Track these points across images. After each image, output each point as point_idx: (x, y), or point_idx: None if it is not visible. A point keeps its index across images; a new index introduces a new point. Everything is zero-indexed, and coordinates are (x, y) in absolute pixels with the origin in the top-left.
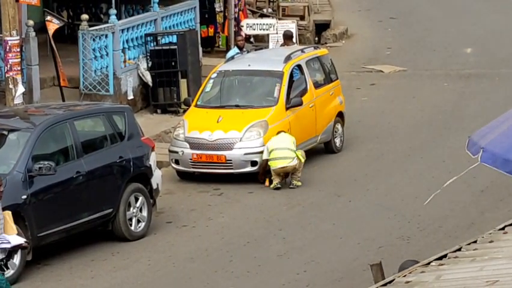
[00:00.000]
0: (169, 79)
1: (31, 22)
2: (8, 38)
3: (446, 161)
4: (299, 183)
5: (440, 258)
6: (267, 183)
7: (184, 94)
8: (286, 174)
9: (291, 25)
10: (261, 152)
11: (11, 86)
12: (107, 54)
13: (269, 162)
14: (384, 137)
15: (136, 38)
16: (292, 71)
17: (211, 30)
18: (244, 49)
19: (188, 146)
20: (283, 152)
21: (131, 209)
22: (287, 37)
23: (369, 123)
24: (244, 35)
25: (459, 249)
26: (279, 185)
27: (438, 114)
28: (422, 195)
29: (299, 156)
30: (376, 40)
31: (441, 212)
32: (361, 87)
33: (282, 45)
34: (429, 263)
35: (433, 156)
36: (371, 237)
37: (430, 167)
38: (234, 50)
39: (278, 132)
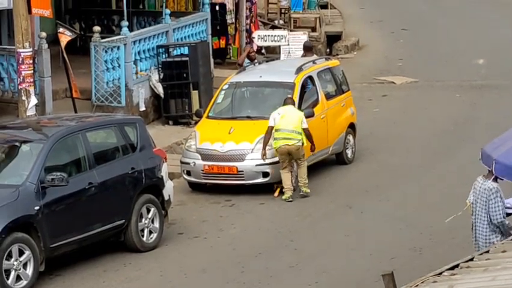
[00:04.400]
0: (180, 90)
1: (44, 34)
2: (20, 50)
3: (458, 172)
4: (308, 190)
5: (452, 268)
6: (276, 193)
7: (195, 105)
8: (296, 182)
9: (302, 36)
10: (273, 163)
11: (23, 97)
12: (119, 66)
13: (273, 142)
14: (396, 148)
15: (148, 50)
16: (303, 82)
17: (222, 42)
18: (256, 60)
19: (200, 157)
20: (289, 134)
21: (143, 220)
22: (307, 48)
23: (381, 134)
24: (256, 47)
25: (471, 259)
26: (290, 199)
27: (450, 125)
28: (434, 206)
29: (303, 140)
30: (388, 51)
31: (453, 223)
32: (373, 98)
33: (302, 56)
34: (441, 273)
35: (445, 167)
36: (383, 248)
37: (442, 178)
38: (247, 62)
39: (285, 101)
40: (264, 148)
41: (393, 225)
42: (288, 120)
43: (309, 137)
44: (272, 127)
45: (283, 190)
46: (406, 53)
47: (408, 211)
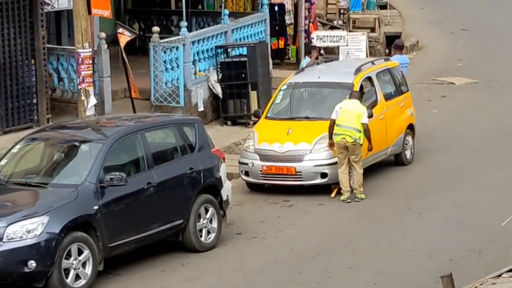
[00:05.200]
0: (239, 91)
1: (103, 34)
2: (80, 50)
3: None
4: (363, 196)
5: (511, 271)
6: (333, 194)
7: (254, 106)
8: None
9: (361, 37)
10: (332, 164)
11: (83, 97)
12: (177, 66)
13: (334, 137)
14: (455, 149)
15: (207, 50)
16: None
17: (281, 42)
18: (317, 61)
19: (258, 157)
20: (347, 130)
21: (201, 220)
22: (397, 47)
23: (440, 135)
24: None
25: None
26: (348, 200)
27: (510, 127)
28: (493, 208)
29: (361, 139)
30: (447, 52)
31: None
32: (432, 99)
33: (392, 54)
34: (500, 275)
35: (504, 169)
36: (442, 249)
37: (501, 180)
38: (307, 60)
39: (351, 95)
40: (330, 138)
41: (452, 227)
42: (349, 116)
43: (366, 132)
44: (334, 120)
45: (341, 191)
46: (466, 53)
47: (467, 212)
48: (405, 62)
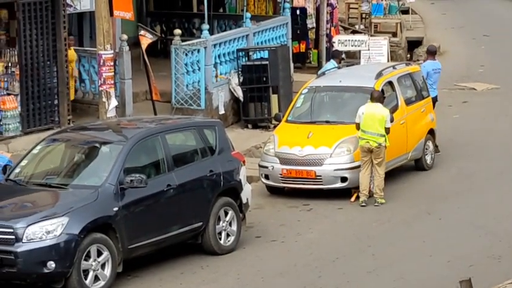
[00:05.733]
0: (260, 94)
1: (125, 36)
2: (102, 52)
3: None
4: (383, 201)
5: None
6: (353, 198)
7: (274, 109)
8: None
9: (383, 42)
10: (352, 168)
11: (104, 99)
12: (199, 69)
13: (359, 140)
14: (475, 155)
15: (228, 53)
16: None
17: (302, 46)
18: (339, 65)
19: (278, 161)
20: (372, 137)
21: (221, 222)
22: (430, 52)
23: (461, 140)
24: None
25: None
26: (364, 204)
27: None
28: None
29: (386, 141)
30: (469, 57)
31: None
32: (453, 104)
33: (424, 60)
34: None
35: None
36: (461, 255)
37: None
38: (332, 63)
39: (372, 97)
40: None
41: (472, 232)
42: (372, 122)
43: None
44: (358, 124)
45: (359, 194)
46: (487, 59)
47: (487, 218)
48: (438, 67)
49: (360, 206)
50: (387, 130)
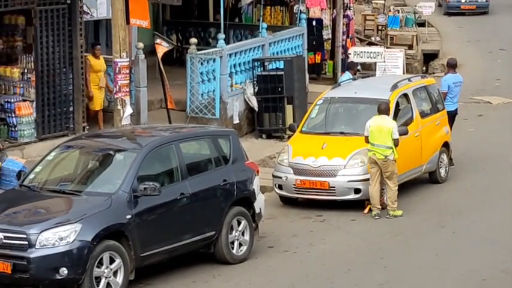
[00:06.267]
0: (275, 104)
1: (141, 44)
2: (118, 60)
3: None
4: (396, 213)
5: None
6: (366, 210)
7: (289, 120)
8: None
9: (398, 54)
10: (365, 180)
11: (119, 107)
12: (214, 78)
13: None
14: (490, 168)
15: (244, 63)
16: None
17: (318, 57)
18: (354, 76)
19: (292, 171)
20: (379, 149)
21: (234, 232)
22: (451, 66)
23: (476, 154)
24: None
25: None
26: (377, 217)
27: None
28: None
29: (394, 153)
30: (485, 71)
31: None
32: (468, 118)
33: (445, 74)
34: None
35: None
36: (475, 269)
37: None
38: (347, 75)
39: (379, 109)
40: None
41: (486, 247)
42: (378, 134)
43: (396, 146)
44: (367, 137)
45: (371, 207)
46: (504, 73)
47: (501, 233)
48: (459, 80)
49: (373, 218)
50: (396, 141)
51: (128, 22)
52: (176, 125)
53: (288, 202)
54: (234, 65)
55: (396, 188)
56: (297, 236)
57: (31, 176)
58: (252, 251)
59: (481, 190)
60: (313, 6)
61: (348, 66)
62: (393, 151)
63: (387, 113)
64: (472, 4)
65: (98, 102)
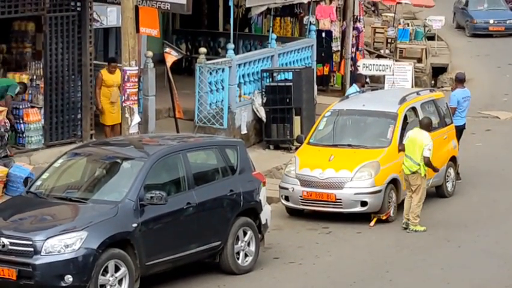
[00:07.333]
0: (283, 115)
1: (150, 53)
2: (126, 68)
3: None
4: (417, 228)
5: None
6: (372, 223)
7: (297, 131)
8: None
9: (407, 67)
10: (372, 193)
11: (127, 115)
12: (223, 88)
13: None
14: (497, 183)
15: (252, 73)
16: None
17: (326, 69)
18: (362, 89)
19: (299, 183)
20: (408, 162)
21: (239, 242)
22: (459, 80)
23: (483, 169)
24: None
25: None
26: (404, 225)
27: None
28: None
29: (422, 170)
30: (493, 86)
31: None
32: (476, 132)
33: (452, 89)
34: None
35: None
36: (480, 284)
37: None
38: (354, 87)
39: (420, 124)
40: None
41: (491, 261)
42: (413, 147)
43: (428, 165)
44: (403, 145)
45: (379, 217)
46: None
47: (507, 248)
48: (467, 95)
49: (380, 231)
50: (425, 159)
51: (138, 30)
52: (184, 135)
53: (294, 213)
54: (243, 75)
55: (421, 203)
56: (302, 248)
57: (38, 182)
58: (258, 261)
59: (487, 205)
60: (323, 18)
61: (356, 78)
62: (420, 168)
63: (428, 130)
64: (500, 25)
65: (109, 117)
